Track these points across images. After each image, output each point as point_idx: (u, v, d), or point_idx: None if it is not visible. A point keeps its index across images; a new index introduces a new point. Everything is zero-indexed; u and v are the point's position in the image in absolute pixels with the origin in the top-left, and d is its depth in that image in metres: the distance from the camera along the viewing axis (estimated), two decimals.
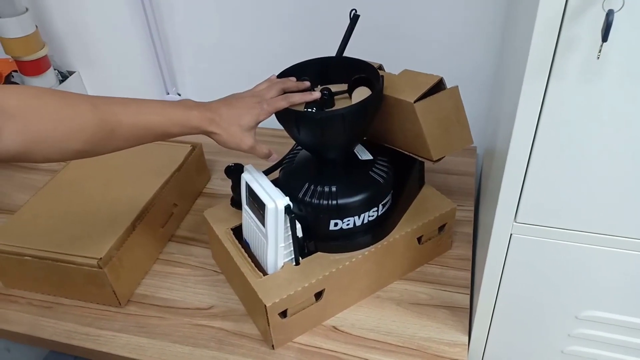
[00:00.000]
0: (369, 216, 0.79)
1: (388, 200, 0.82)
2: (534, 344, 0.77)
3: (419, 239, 0.86)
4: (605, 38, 0.44)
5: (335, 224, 0.78)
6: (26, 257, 0.85)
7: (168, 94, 1.31)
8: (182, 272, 0.93)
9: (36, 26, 1.20)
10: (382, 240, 0.81)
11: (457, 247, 0.93)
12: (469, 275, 0.88)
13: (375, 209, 0.80)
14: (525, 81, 0.51)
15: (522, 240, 0.64)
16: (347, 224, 0.78)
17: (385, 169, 0.81)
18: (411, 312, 0.83)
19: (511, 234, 0.64)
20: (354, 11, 0.79)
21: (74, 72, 1.37)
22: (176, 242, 1.00)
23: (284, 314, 0.75)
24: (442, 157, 0.78)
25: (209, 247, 0.97)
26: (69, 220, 0.91)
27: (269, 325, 0.74)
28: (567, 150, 0.55)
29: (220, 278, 0.91)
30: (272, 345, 0.77)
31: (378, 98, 0.74)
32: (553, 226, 0.62)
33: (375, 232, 0.81)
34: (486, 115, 1.13)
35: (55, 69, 1.31)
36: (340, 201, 0.76)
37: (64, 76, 1.35)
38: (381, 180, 0.80)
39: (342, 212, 0.77)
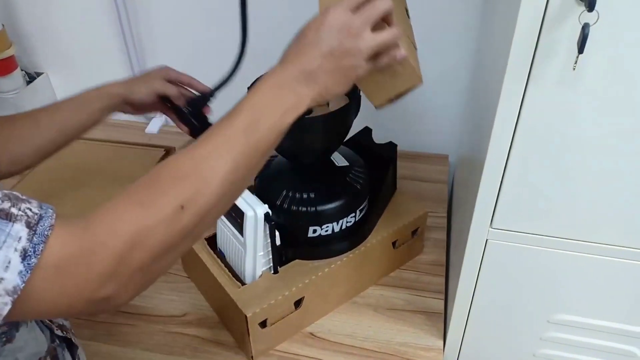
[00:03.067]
0: (347, 222, 0.80)
1: (365, 206, 0.83)
2: (507, 347, 0.79)
3: (394, 243, 0.86)
4: (581, 50, 0.46)
5: (314, 231, 0.78)
6: None
7: None
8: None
9: (2, 25, 1.16)
10: (359, 246, 0.81)
11: (430, 252, 0.94)
12: (443, 280, 0.89)
13: (353, 214, 0.80)
14: (505, 86, 0.52)
15: (498, 246, 0.66)
16: (326, 231, 0.78)
17: (361, 175, 0.82)
18: (387, 317, 0.83)
19: (487, 240, 0.66)
20: None
21: (42, 73, 1.33)
22: None
23: (263, 324, 0.74)
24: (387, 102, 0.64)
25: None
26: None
27: (249, 336, 0.73)
28: (544, 156, 0.57)
29: (194, 285, 0.90)
30: (252, 357, 0.76)
31: (357, 104, 0.74)
32: (528, 232, 0.64)
33: (353, 237, 0.81)
34: (460, 124, 1.15)
35: (22, 70, 1.27)
36: (319, 208, 0.77)
37: (31, 77, 1.31)
38: (358, 186, 0.80)
39: (321, 219, 0.77)
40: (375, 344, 0.79)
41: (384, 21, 0.55)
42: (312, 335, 0.81)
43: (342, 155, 0.84)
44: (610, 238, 0.62)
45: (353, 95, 0.74)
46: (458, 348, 0.81)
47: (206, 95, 0.82)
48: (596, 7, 0.44)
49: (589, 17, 0.45)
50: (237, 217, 0.75)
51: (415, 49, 0.67)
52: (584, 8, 0.45)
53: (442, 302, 0.86)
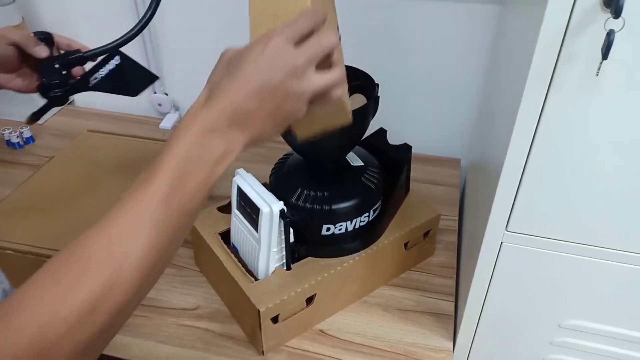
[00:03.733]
0: (360, 221, 0.80)
1: (378, 206, 0.83)
2: (517, 351, 0.79)
3: (405, 245, 0.87)
4: (605, 56, 0.47)
5: (328, 229, 0.79)
6: (8, 252, 0.83)
7: (155, 93, 1.29)
8: (168, 271, 0.92)
9: (22, 18, 1.18)
10: (371, 246, 0.82)
11: (441, 255, 0.95)
12: (453, 282, 0.90)
13: (367, 214, 0.81)
14: (526, 93, 0.53)
15: (512, 249, 0.66)
16: (339, 229, 0.79)
17: (376, 175, 0.82)
18: (397, 317, 0.84)
19: (502, 243, 0.66)
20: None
21: None
22: None
23: (275, 320, 0.75)
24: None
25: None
26: (52, 216, 0.89)
27: (260, 331, 0.74)
28: (562, 161, 0.57)
29: (206, 279, 0.90)
30: (262, 351, 0.77)
31: (375, 105, 0.75)
32: (543, 236, 0.64)
33: (366, 237, 0.82)
34: (472, 128, 1.16)
35: None
36: (333, 206, 0.77)
37: None
38: (372, 186, 0.81)
39: (335, 217, 0.78)
40: (385, 343, 0.80)
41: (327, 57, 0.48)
42: (322, 332, 0.81)
43: (357, 155, 0.85)
44: (624, 244, 0.62)
45: (371, 95, 0.74)
46: (468, 350, 0.81)
47: (83, 55, 0.69)
48: (622, 14, 0.44)
49: (615, 24, 0.46)
50: (252, 213, 0.75)
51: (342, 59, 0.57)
52: (609, 15, 0.46)
53: (453, 304, 0.86)
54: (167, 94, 1.30)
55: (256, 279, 0.77)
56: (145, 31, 1.17)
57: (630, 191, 0.58)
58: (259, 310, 0.71)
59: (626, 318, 0.69)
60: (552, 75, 0.51)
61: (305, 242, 0.79)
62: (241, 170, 0.80)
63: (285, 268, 0.78)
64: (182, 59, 1.25)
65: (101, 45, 0.69)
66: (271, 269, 0.78)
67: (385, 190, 0.84)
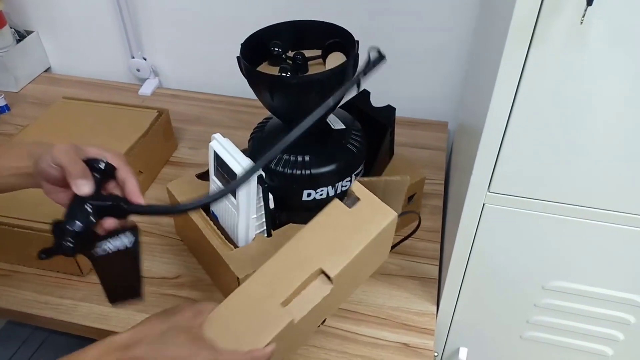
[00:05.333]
0: (342, 186, 0.78)
1: (361, 170, 0.81)
2: (501, 314, 0.79)
3: None
4: (590, 2, 0.44)
5: (309, 195, 0.77)
6: None
7: (133, 57, 1.25)
8: (148, 240, 0.90)
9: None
10: None
11: (427, 219, 0.93)
12: (438, 246, 0.89)
13: (349, 178, 0.79)
14: (507, 46, 0.50)
15: (495, 210, 0.65)
16: (321, 195, 0.77)
17: (358, 139, 0.80)
18: (381, 282, 0.83)
19: (484, 204, 0.65)
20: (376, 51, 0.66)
21: (32, 32, 1.29)
22: None
23: None
24: None
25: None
26: None
27: None
28: (545, 119, 0.55)
29: (187, 247, 0.89)
30: None
31: (354, 63, 0.72)
32: (526, 196, 0.62)
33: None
34: (460, 90, 1.13)
35: (11, 28, 1.24)
36: (314, 171, 0.75)
37: (21, 36, 1.27)
38: (355, 150, 0.78)
39: (316, 182, 0.76)
40: (369, 308, 0.79)
41: None
42: None
43: (339, 118, 0.82)
44: (607, 203, 0.61)
45: (350, 53, 0.71)
46: (451, 313, 0.80)
47: (127, 208, 0.52)
48: None
49: None
50: (230, 179, 0.73)
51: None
52: None
53: (437, 268, 0.85)
54: (145, 59, 1.26)
55: (237, 247, 0.76)
56: None
57: (615, 150, 0.56)
58: (238, 278, 0.70)
59: (610, 279, 0.69)
60: (534, 27, 0.49)
61: (286, 208, 0.78)
62: (217, 135, 0.77)
63: (265, 235, 0.77)
64: (161, 21, 1.20)
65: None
66: (251, 236, 0.76)
67: (368, 154, 0.82)
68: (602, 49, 0.49)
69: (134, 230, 0.50)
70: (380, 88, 0.99)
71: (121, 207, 0.52)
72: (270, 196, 0.74)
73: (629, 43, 0.48)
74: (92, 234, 0.50)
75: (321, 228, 0.58)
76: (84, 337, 0.79)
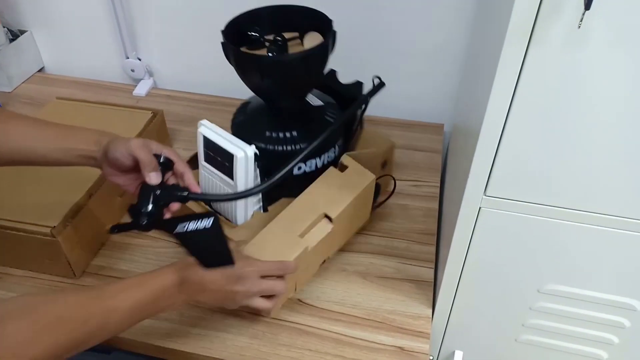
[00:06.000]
0: (327, 157, 0.82)
1: (341, 142, 0.85)
2: (496, 317, 0.79)
3: None
4: (588, 6, 0.44)
5: (299, 168, 0.80)
6: None
7: (127, 58, 1.24)
8: (142, 243, 0.90)
9: None
10: None
11: (422, 222, 0.93)
12: (433, 249, 0.88)
13: (333, 149, 0.83)
14: (505, 47, 0.50)
15: (491, 214, 0.64)
16: (310, 167, 0.81)
17: (336, 113, 0.84)
18: (377, 285, 0.82)
19: (480, 207, 0.64)
20: (377, 79, 0.81)
21: (25, 31, 1.28)
22: None
23: None
24: None
25: None
26: (21, 187, 0.86)
27: None
28: (542, 123, 0.55)
29: (182, 250, 0.88)
30: None
31: (333, 41, 0.76)
32: (522, 200, 0.62)
33: None
34: (456, 92, 1.13)
35: (5, 27, 1.22)
36: (303, 145, 0.78)
37: (14, 35, 1.26)
38: (335, 122, 0.81)
39: (305, 156, 0.77)
40: (364, 311, 0.79)
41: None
42: (301, 301, 0.80)
43: (315, 96, 0.87)
44: (603, 207, 0.61)
45: (327, 32, 0.75)
46: (447, 317, 0.80)
47: (187, 196, 0.66)
48: None
49: None
50: (224, 161, 0.75)
51: None
52: None
53: (432, 270, 0.85)
54: (140, 59, 1.25)
55: (236, 226, 0.79)
56: None
57: (612, 154, 0.55)
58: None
59: (605, 282, 0.69)
60: (532, 29, 0.48)
61: (278, 183, 0.78)
62: (205, 121, 0.79)
63: (262, 211, 0.79)
64: (156, 21, 1.20)
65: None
66: (249, 214, 0.78)
67: (345, 126, 0.86)
68: (600, 51, 0.48)
69: (211, 215, 0.62)
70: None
71: (183, 197, 0.65)
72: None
73: (628, 45, 0.48)
74: (161, 214, 0.65)
75: (322, 186, 0.76)
76: None
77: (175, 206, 0.66)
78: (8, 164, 0.68)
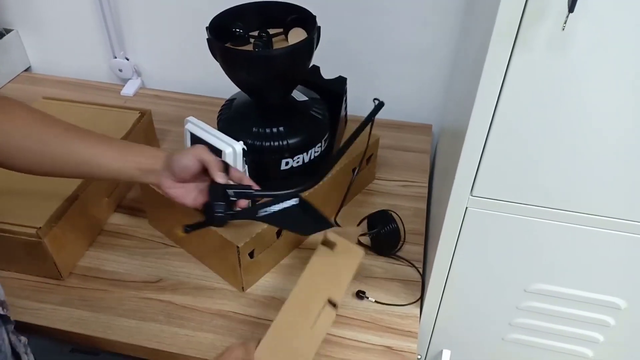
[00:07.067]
0: (314, 152, 0.82)
1: (327, 136, 0.85)
2: (483, 316, 0.79)
3: (353, 170, 0.90)
4: (571, 9, 0.44)
5: (287, 163, 0.80)
6: None
7: (115, 57, 1.23)
8: (129, 244, 0.89)
9: None
10: (327, 175, 0.83)
11: (411, 222, 0.93)
12: (422, 249, 0.89)
13: (319, 144, 0.83)
14: (490, 49, 0.50)
15: (477, 214, 0.65)
16: (297, 162, 0.81)
17: (321, 108, 0.85)
18: (365, 285, 0.83)
19: (466, 207, 0.65)
20: (377, 101, 0.82)
21: (11, 30, 1.27)
22: (122, 213, 0.95)
23: (251, 255, 0.78)
24: None
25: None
26: (6, 188, 0.85)
27: (240, 266, 0.77)
28: (527, 124, 0.55)
29: (170, 251, 0.88)
30: (242, 287, 0.81)
31: (317, 36, 0.76)
32: (508, 200, 0.63)
33: (321, 166, 0.83)
34: (444, 93, 1.14)
35: None
36: (290, 140, 0.79)
37: (0, 34, 1.25)
38: (320, 117, 0.83)
39: (293, 151, 0.80)
40: (352, 311, 0.79)
41: None
42: None
43: (300, 91, 0.87)
44: (588, 207, 0.61)
45: (310, 27, 0.76)
46: (434, 316, 0.81)
47: (254, 193, 0.70)
48: None
49: None
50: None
51: None
52: None
53: (420, 270, 0.85)
54: (128, 59, 1.24)
55: None
56: None
57: (596, 154, 0.56)
58: (237, 247, 0.73)
59: (591, 281, 0.69)
60: (517, 31, 0.49)
61: (265, 179, 0.79)
62: (191, 118, 0.79)
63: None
64: (144, 20, 1.19)
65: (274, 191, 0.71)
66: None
67: (330, 120, 0.86)
68: (584, 53, 0.49)
69: (295, 196, 0.69)
70: (364, 89, 0.99)
71: (252, 194, 0.69)
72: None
73: (612, 47, 0.48)
74: (246, 208, 0.70)
75: (319, 267, 0.72)
76: (65, 341, 0.78)
77: (243, 202, 0.70)
78: (74, 177, 0.71)
